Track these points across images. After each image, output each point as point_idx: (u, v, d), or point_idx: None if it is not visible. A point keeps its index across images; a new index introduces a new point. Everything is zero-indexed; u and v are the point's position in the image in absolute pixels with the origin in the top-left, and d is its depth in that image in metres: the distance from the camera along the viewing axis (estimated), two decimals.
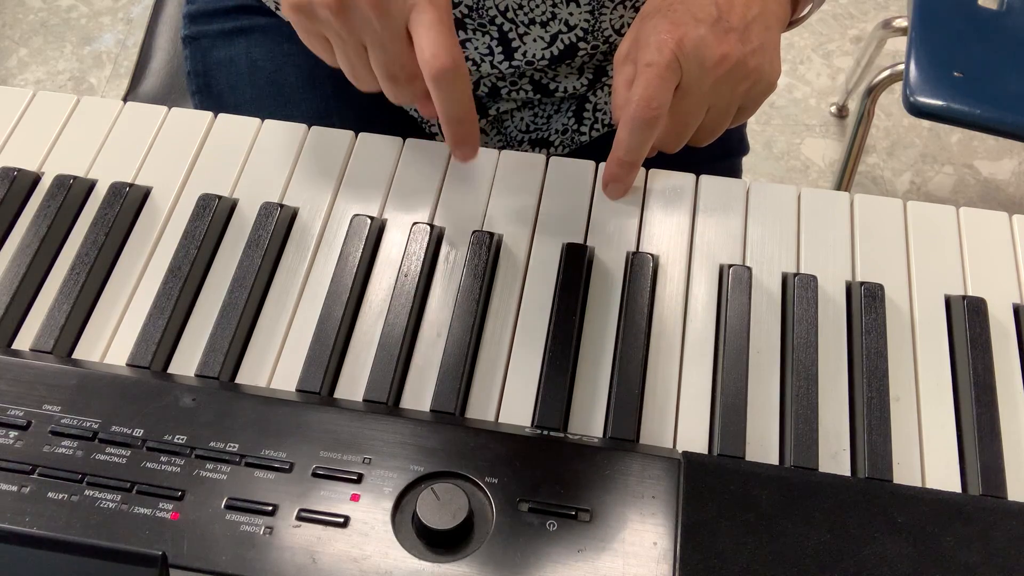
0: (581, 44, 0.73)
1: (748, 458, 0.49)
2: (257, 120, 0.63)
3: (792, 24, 0.65)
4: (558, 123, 0.80)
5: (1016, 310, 0.55)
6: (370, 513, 0.45)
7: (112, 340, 0.54)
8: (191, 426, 0.47)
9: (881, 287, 0.55)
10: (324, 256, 0.57)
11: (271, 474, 0.46)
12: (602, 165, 0.60)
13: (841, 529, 0.45)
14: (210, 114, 0.63)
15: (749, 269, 0.56)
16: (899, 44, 1.73)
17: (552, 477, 0.46)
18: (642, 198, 0.60)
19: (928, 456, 0.51)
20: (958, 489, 0.49)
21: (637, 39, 0.57)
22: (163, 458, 0.46)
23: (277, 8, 0.80)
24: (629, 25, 0.73)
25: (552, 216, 0.59)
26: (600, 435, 0.50)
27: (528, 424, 0.51)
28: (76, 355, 0.53)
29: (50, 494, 0.45)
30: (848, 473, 0.50)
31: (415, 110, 0.80)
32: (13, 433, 0.47)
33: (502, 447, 0.47)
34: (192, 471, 0.46)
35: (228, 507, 0.45)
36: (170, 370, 0.53)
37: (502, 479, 0.45)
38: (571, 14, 0.71)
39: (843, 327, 0.55)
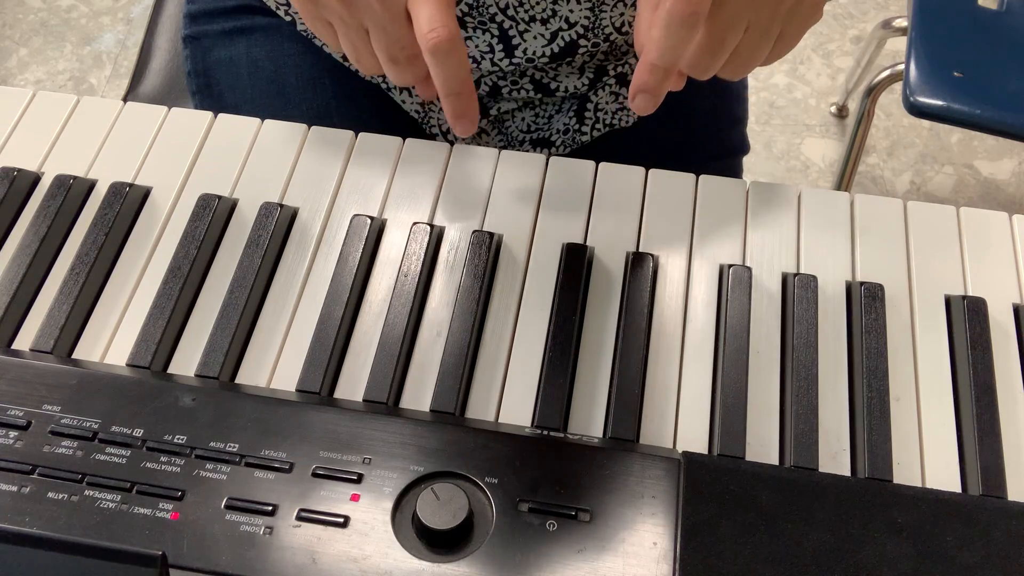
0: (581, 41, 0.73)
1: (748, 458, 0.49)
2: (257, 120, 0.63)
3: None
4: (559, 123, 0.80)
5: (1016, 310, 0.55)
6: (370, 513, 0.45)
7: (112, 340, 0.54)
8: (191, 426, 0.47)
9: (881, 287, 0.55)
10: (324, 256, 0.57)
11: (271, 474, 0.46)
12: (602, 165, 0.60)
13: (841, 529, 0.45)
14: (210, 114, 0.63)
15: (749, 269, 0.56)
16: (899, 44, 1.73)
17: (552, 477, 0.46)
18: (642, 198, 0.60)
19: (928, 456, 0.51)
20: (958, 489, 0.49)
21: None
22: (163, 458, 0.46)
23: (278, 8, 0.80)
24: (629, 23, 0.74)
25: (552, 216, 0.59)
26: (600, 435, 0.50)
27: (528, 424, 0.51)
28: (76, 355, 0.53)
29: (50, 494, 0.45)
30: (848, 473, 0.50)
31: (416, 111, 0.80)
32: (13, 433, 0.47)
33: (502, 447, 0.47)
34: (192, 471, 0.46)
35: (228, 507, 0.45)
36: (170, 370, 0.53)
37: (502, 479, 0.45)
38: (571, 11, 0.71)
39: (843, 327, 0.55)
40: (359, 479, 0.45)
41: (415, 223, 0.57)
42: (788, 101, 1.84)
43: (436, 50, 0.53)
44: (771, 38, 0.55)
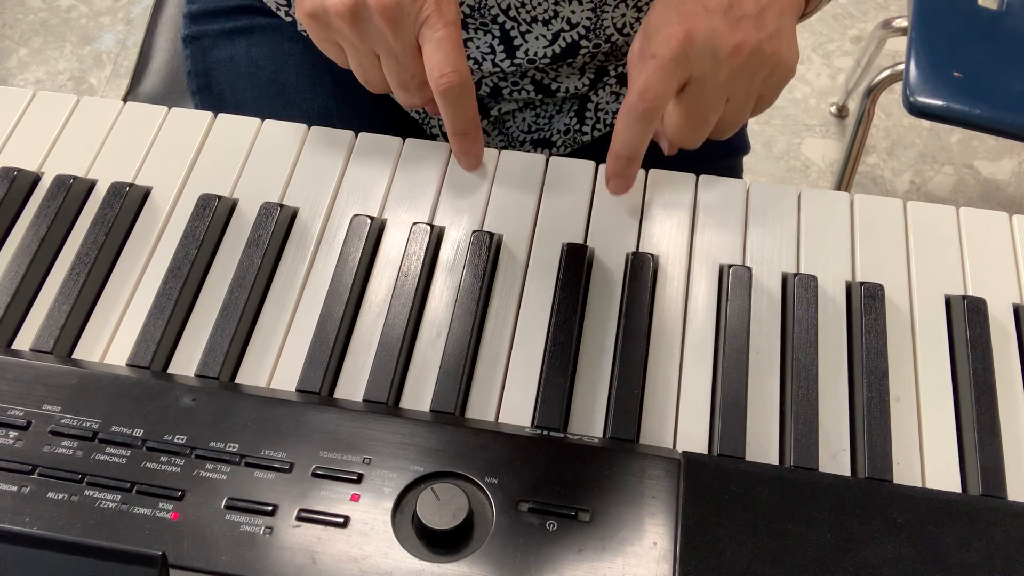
0: (583, 43, 0.73)
1: (748, 458, 0.49)
2: (257, 120, 0.63)
3: (804, 16, 0.64)
4: (560, 123, 0.80)
5: (1016, 310, 0.55)
6: (370, 513, 0.45)
7: (112, 340, 0.54)
8: (191, 426, 0.47)
9: (881, 287, 0.55)
10: (324, 256, 0.57)
11: (271, 474, 0.46)
12: (603, 165, 0.60)
13: (841, 529, 0.45)
14: (210, 114, 0.63)
15: (749, 269, 0.56)
16: (899, 44, 1.73)
17: (552, 477, 0.46)
18: (642, 198, 0.60)
19: (928, 456, 0.51)
20: (958, 489, 0.49)
21: (647, 32, 0.56)
22: (163, 458, 0.46)
23: (278, 8, 0.80)
24: (631, 24, 0.73)
25: (552, 216, 0.59)
26: (600, 435, 0.50)
27: (528, 424, 0.51)
28: (76, 355, 0.53)
29: (50, 494, 0.45)
30: (848, 473, 0.50)
31: (416, 111, 0.80)
32: (13, 433, 0.47)
33: (502, 447, 0.47)
34: (192, 471, 0.46)
35: (228, 507, 0.45)
36: (170, 370, 0.53)
37: (502, 479, 0.45)
38: (573, 12, 0.71)
39: (843, 327, 0.55)
40: (359, 479, 0.45)
41: (415, 223, 0.57)
42: (788, 101, 1.84)
43: (447, 94, 0.54)
44: (750, 105, 0.58)
